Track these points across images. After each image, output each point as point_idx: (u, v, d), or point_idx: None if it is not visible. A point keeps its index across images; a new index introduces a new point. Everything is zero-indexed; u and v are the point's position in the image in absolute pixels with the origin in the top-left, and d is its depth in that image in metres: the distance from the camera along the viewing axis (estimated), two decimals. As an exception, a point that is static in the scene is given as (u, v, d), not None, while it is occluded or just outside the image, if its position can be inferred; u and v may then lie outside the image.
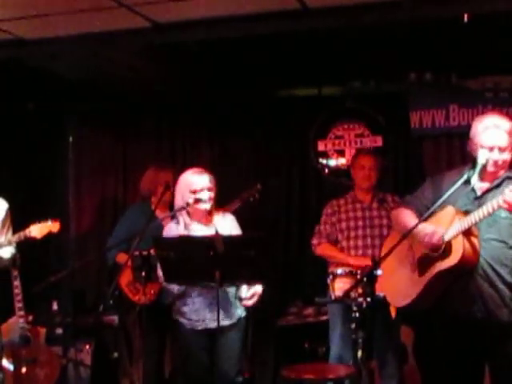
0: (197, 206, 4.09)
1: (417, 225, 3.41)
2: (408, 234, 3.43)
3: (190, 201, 4.07)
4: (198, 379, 4.14)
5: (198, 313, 4.10)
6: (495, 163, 3.39)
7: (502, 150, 3.38)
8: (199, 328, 4.10)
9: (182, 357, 4.27)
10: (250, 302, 4.10)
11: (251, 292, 4.08)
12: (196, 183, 4.10)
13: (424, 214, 3.44)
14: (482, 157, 3.37)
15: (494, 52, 5.03)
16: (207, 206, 4.10)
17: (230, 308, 4.12)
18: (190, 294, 4.11)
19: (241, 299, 4.12)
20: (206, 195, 4.08)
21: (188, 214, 4.15)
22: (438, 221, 3.44)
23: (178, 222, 4.18)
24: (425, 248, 3.46)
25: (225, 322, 4.05)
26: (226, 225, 4.19)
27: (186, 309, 4.14)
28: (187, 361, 4.21)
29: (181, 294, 4.12)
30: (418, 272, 3.52)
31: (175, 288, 4.09)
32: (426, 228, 3.43)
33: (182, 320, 4.16)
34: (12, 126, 6.29)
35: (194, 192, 4.07)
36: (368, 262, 4.70)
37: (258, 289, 4.09)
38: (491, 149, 3.38)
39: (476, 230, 3.36)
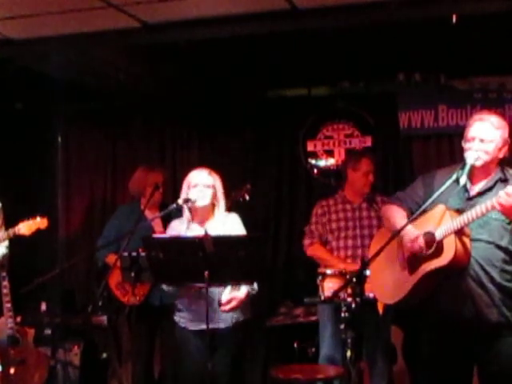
0: (188, 204, 4.06)
1: (404, 226, 3.41)
2: (396, 235, 3.43)
3: (180, 202, 4.07)
4: (189, 382, 4.08)
5: (193, 312, 4.03)
6: (473, 151, 3.33)
7: (483, 142, 3.34)
8: (194, 328, 4.03)
9: (174, 358, 4.23)
10: (227, 308, 3.92)
11: (229, 297, 3.92)
12: (193, 178, 4.10)
13: (415, 212, 3.44)
14: (470, 157, 3.37)
15: (483, 53, 5.05)
16: (201, 203, 4.06)
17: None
18: (187, 294, 4.05)
19: (220, 304, 3.92)
20: (201, 191, 4.05)
21: (190, 211, 4.12)
22: (428, 219, 3.43)
23: (181, 220, 4.16)
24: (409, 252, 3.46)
25: (220, 325, 3.98)
26: (228, 223, 4.11)
27: (183, 307, 4.09)
28: (179, 363, 4.16)
29: (174, 293, 4.08)
30: (407, 270, 3.51)
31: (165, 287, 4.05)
32: (410, 232, 3.41)
33: (179, 319, 4.12)
34: (0, 125, 6.26)
35: (194, 187, 4.06)
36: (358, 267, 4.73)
37: (239, 294, 3.94)
38: (472, 139, 3.36)
39: (468, 230, 3.35)
